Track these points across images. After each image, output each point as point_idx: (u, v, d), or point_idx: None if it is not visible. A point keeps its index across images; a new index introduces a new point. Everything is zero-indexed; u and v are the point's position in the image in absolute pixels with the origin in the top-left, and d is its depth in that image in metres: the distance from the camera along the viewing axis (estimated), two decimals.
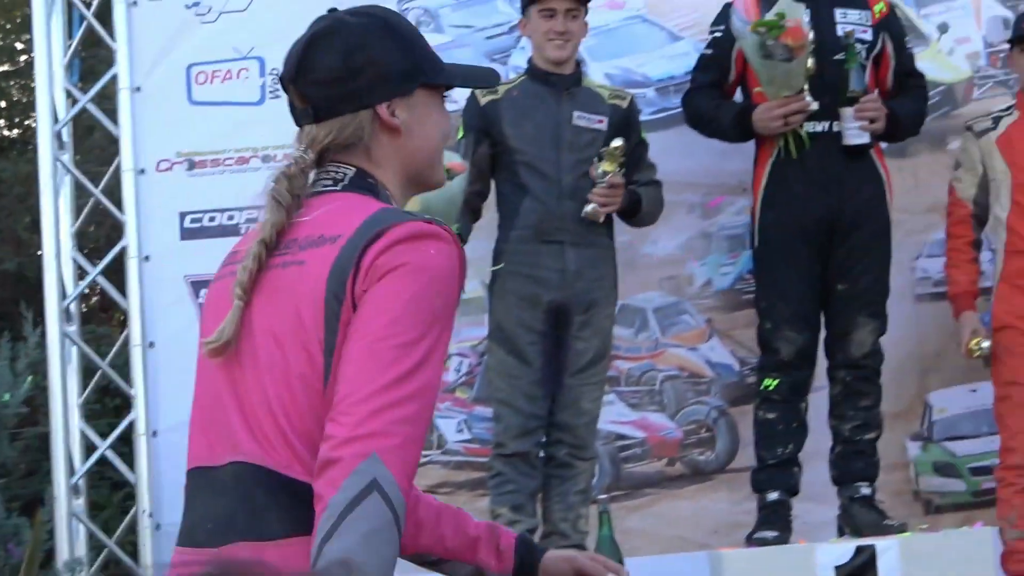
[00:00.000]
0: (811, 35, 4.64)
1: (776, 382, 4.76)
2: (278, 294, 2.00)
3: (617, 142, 4.67)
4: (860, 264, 4.80)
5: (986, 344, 4.80)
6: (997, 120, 4.95)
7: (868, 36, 4.85)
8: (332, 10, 2.15)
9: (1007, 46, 5.06)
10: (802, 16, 4.64)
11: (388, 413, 1.89)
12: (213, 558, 1.84)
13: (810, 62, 4.69)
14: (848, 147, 4.76)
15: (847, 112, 4.74)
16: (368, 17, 2.11)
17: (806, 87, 4.69)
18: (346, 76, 2.06)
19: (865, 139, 4.77)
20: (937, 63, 5.45)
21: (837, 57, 4.76)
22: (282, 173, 2.05)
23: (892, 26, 4.97)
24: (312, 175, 2.08)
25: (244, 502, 1.98)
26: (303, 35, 2.12)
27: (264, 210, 2.04)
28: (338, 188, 2.07)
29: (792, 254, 4.79)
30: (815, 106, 4.71)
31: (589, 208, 4.70)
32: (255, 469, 1.98)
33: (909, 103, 4.96)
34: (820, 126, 4.76)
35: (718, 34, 4.92)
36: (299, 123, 2.12)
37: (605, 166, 4.67)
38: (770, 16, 4.60)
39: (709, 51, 4.95)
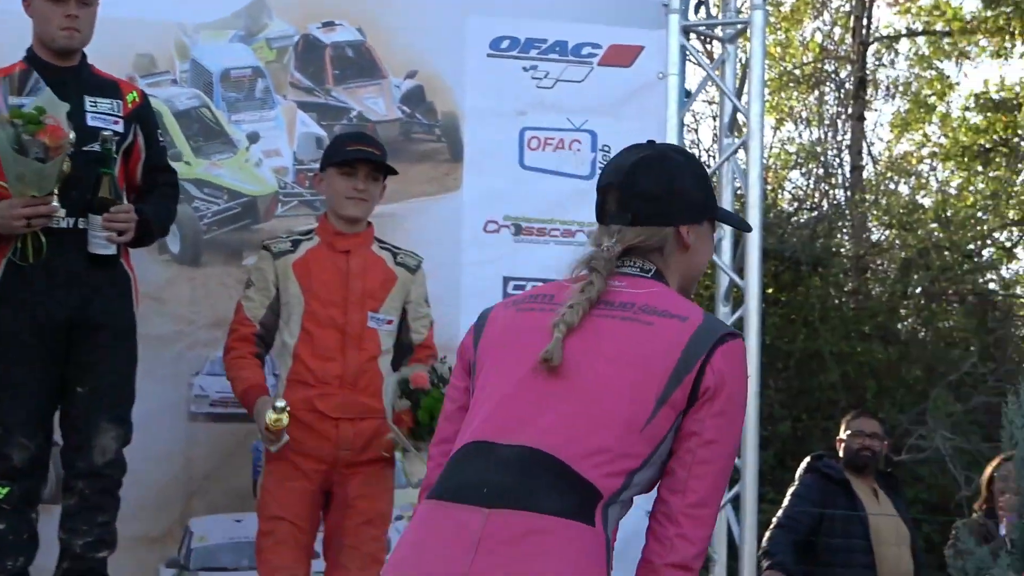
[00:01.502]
0: (71, 136, 4.85)
1: (7, 491, 4.93)
2: (623, 340, 2.82)
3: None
4: (102, 366, 5.03)
5: (274, 417, 5.00)
6: (297, 243, 5.28)
7: (119, 128, 5.11)
8: (651, 142, 3.05)
9: (317, 165, 5.48)
10: (63, 115, 4.86)
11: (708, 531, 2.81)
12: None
13: (66, 164, 4.88)
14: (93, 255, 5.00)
15: (96, 220, 4.96)
16: (685, 156, 3.05)
17: (56, 190, 4.88)
18: (666, 198, 2.94)
19: (111, 251, 5.01)
20: (243, 173, 5.89)
21: (87, 148, 4.98)
22: (602, 256, 2.90)
23: (144, 117, 5.23)
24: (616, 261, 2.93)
25: (525, 479, 2.73)
26: (631, 155, 2.98)
27: (590, 277, 2.88)
28: (647, 275, 2.92)
29: (27, 355, 4.95)
30: (62, 213, 4.91)
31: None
32: (548, 457, 2.73)
33: (161, 206, 5.25)
34: (65, 222, 4.95)
35: None
36: (605, 220, 2.96)
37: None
38: (29, 108, 4.79)
39: None
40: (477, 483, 2.75)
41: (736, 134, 6.95)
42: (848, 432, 7.28)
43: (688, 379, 2.78)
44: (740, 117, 6.77)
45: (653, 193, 2.93)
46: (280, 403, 4.99)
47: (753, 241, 6.37)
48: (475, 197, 6.23)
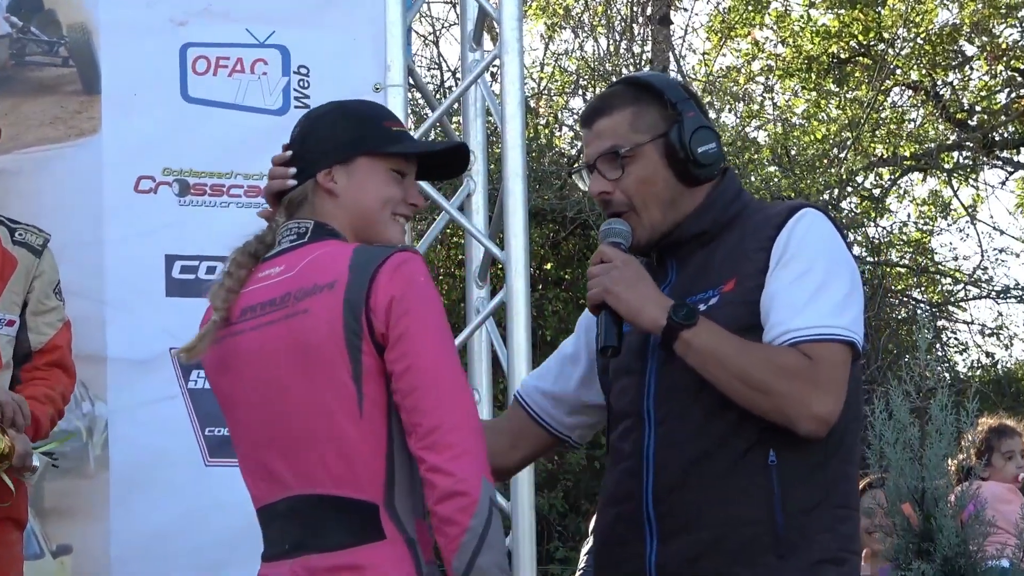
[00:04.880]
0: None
1: None
2: (291, 345, 3.72)
3: None
4: None
5: None
6: None
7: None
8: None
9: None
10: None
11: (475, 436, 3.65)
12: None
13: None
14: None
15: None
16: (339, 104, 4.03)
17: None
18: (298, 152, 3.92)
19: None
20: None
21: None
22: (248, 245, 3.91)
23: None
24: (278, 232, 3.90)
25: (304, 526, 3.75)
26: None
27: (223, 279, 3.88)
28: (304, 240, 3.83)
29: None
30: None
31: None
32: (307, 499, 3.74)
33: None
34: None
35: None
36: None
37: None
38: None
39: None
40: (279, 541, 3.82)
41: (489, 45, 7.07)
42: None
43: (365, 340, 3.67)
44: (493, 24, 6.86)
45: (293, 154, 3.93)
46: None
47: (515, 197, 6.42)
48: (121, 144, 6.32)
